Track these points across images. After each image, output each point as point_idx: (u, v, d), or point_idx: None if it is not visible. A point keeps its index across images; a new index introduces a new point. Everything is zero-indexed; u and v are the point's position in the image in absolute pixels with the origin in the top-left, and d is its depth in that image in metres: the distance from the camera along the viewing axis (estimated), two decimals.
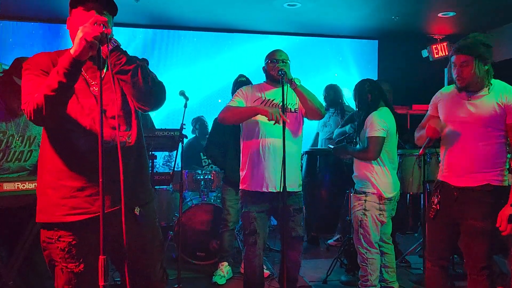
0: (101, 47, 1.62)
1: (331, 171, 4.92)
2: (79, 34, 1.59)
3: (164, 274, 2.08)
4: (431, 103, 2.76)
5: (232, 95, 4.13)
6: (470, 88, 2.52)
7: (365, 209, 3.21)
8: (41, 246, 1.88)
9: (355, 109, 4.92)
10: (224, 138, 4.06)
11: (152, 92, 1.83)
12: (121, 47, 1.75)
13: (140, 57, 2.04)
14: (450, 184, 2.60)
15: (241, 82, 4.04)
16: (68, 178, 1.80)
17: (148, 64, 2.03)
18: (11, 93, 2.66)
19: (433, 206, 2.66)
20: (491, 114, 2.47)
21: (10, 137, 2.71)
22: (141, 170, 1.97)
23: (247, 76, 4.14)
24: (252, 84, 3.99)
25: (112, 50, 1.70)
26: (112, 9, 1.85)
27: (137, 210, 1.90)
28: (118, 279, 3.27)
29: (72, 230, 1.81)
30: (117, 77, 1.77)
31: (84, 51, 1.60)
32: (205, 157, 5.24)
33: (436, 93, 2.75)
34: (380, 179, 3.20)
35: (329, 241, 5.23)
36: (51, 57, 1.85)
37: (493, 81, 2.53)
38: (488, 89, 2.50)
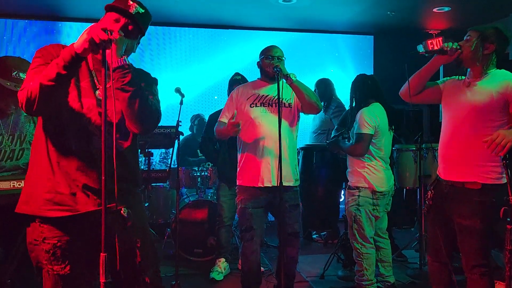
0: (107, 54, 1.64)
1: (327, 167, 4.93)
2: (84, 35, 1.60)
3: (158, 280, 2.04)
4: (442, 80, 2.66)
5: (228, 95, 4.13)
6: (466, 65, 2.45)
7: (358, 204, 3.22)
8: (28, 248, 1.86)
9: (342, 103, 4.95)
10: (215, 136, 4.08)
11: (143, 120, 1.86)
12: (129, 67, 1.75)
13: (152, 76, 2.07)
14: (442, 179, 2.54)
15: (235, 80, 4.05)
16: (55, 174, 1.80)
17: (157, 84, 2.05)
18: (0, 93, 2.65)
19: (427, 201, 2.62)
20: (488, 102, 2.34)
21: (0, 136, 2.71)
22: (132, 167, 1.97)
23: (242, 74, 4.13)
24: (248, 80, 4.01)
25: (119, 67, 1.72)
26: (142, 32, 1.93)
27: (124, 212, 1.86)
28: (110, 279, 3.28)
29: (56, 229, 1.79)
30: (117, 92, 1.79)
31: (86, 50, 1.61)
32: (201, 154, 5.25)
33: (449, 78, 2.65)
34: (372, 174, 3.21)
35: (315, 235, 5.24)
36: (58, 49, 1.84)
37: (497, 70, 2.44)
38: (486, 76, 2.41)
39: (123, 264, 1.86)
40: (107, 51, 1.61)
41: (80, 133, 1.81)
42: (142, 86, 1.83)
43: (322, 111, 5.27)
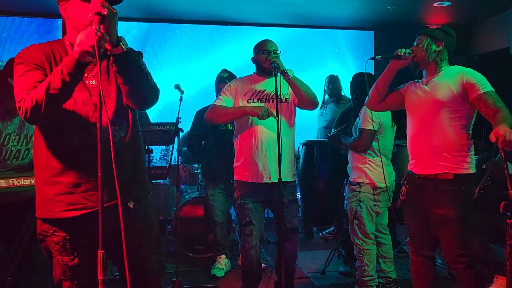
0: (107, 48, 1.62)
1: (328, 162, 4.92)
2: (77, 41, 1.59)
3: (160, 267, 2.07)
4: (402, 85, 2.78)
5: (216, 91, 4.12)
6: (421, 67, 2.59)
7: (359, 200, 3.22)
8: (38, 238, 1.89)
9: (350, 98, 4.94)
10: (203, 132, 4.08)
11: (147, 95, 1.84)
12: (129, 51, 1.71)
13: (135, 50, 2.03)
14: (414, 173, 2.61)
15: (221, 78, 4.04)
16: (63, 175, 1.80)
17: (142, 57, 2.03)
18: (7, 94, 2.64)
19: (400, 196, 2.68)
20: (448, 94, 2.46)
21: (7, 136, 2.71)
22: (137, 164, 1.97)
23: (230, 71, 4.10)
24: (236, 77, 4.01)
25: (121, 54, 1.68)
26: None
27: (130, 204, 1.90)
28: (117, 273, 3.28)
29: (67, 225, 1.82)
30: (116, 75, 1.77)
31: (81, 56, 1.59)
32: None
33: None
34: (373, 169, 3.21)
35: (324, 232, 5.25)
36: (43, 50, 1.82)
37: (450, 66, 2.58)
38: (441, 72, 2.55)
39: (129, 256, 1.87)
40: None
41: (81, 129, 1.80)
42: (142, 66, 1.82)
43: (334, 106, 5.32)
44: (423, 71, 2.65)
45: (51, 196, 1.81)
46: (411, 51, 2.56)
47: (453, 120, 2.47)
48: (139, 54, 1.98)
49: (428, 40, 2.56)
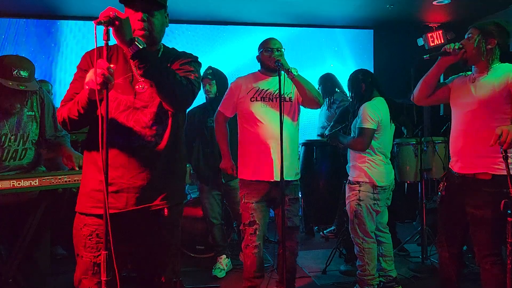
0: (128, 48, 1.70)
1: (328, 162, 4.93)
2: (86, 79, 1.69)
3: (173, 276, 2.07)
4: (451, 78, 2.72)
5: (204, 89, 4.07)
6: (471, 63, 2.53)
7: (359, 199, 3.22)
8: (73, 232, 1.95)
9: (347, 96, 4.93)
10: (191, 133, 4.08)
11: (174, 94, 1.84)
12: (143, 52, 1.72)
13: (194, 55, 2.07)
14: (453, 171, 2.59)
15: (205, 74, 4.01)
16: (98, 172, 1.85)
17: (195, 60, 2.03)
18: (1, 93, 2.64)
19: (439, 192, 2.67)
20: (491, 95, 2.41)
21: (3, 136, 2.70)
22: (172, 171, 1.97)
23: (214, 68, 4.06)
24: (223, 73, 4.00)
25: (134, 55, 1.70)
26: (159, 6, 1.94)
27: (165, 210, 1.93)
28: (125, 274, 3.28)
29: (96, 222, 1.87)
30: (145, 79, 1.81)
31: (91, 94, 1.67)
32: None
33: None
34: (373, 168, 3.21)
35: (325, 231, 5.26)
36: (92, 54, 1.88)
37: (500, 64, 2.50)
38: (490, 70, 2.47)
39: (148, 260, 1.94)
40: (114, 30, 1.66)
41: (119, 131, 1.85)
42: (162, 63, 1.83)
43: (326, 108, 5.30)
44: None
45: (87, 191, 1.89)
46: (461, 46, 2.48)
47: (494, 121, 2.39)
48: (191, 57, 2.01)
49: (480, 36, 2.47)
